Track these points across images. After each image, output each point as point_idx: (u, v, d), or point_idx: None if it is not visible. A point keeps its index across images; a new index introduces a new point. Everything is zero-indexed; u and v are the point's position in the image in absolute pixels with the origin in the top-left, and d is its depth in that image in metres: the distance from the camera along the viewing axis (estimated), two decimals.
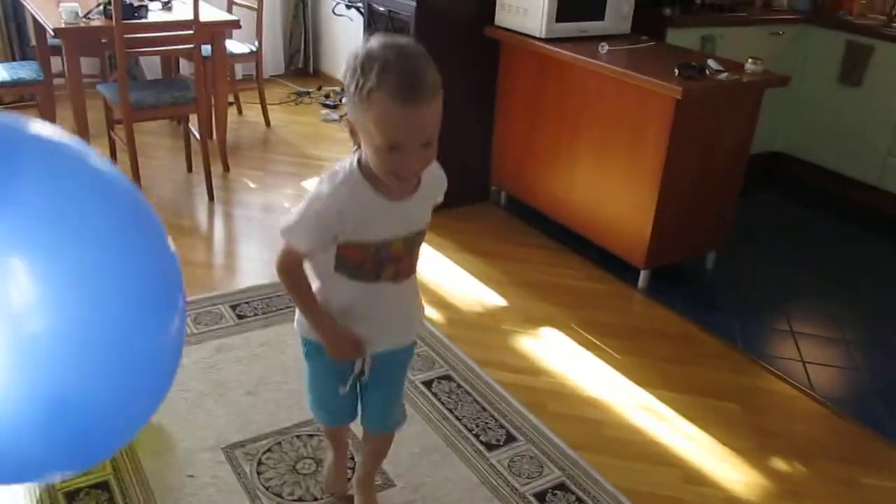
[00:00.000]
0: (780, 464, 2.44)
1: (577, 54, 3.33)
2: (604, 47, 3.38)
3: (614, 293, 3.37)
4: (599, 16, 3.62)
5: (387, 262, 1.62)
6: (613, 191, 3.36)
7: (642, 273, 3.37)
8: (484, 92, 3.90)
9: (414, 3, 3.57)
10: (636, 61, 3.31)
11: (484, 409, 2.53)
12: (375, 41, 1.41)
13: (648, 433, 2.52)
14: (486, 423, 2.47)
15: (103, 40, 3.80)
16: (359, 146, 1.51)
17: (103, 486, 2.14)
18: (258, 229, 3.82)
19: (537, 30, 3.48)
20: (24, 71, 4.14)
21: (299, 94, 5.85)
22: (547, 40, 3.47)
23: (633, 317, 3.22)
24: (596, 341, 3.00)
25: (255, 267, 3.41)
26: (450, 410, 2.51)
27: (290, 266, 1.65)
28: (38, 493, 2.12)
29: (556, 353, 2.91)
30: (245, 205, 4.03)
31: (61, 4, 3.79)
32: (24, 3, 4.25)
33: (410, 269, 1.69)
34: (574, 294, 3.32)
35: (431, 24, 3.62)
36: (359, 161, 1.53)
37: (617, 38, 3.58)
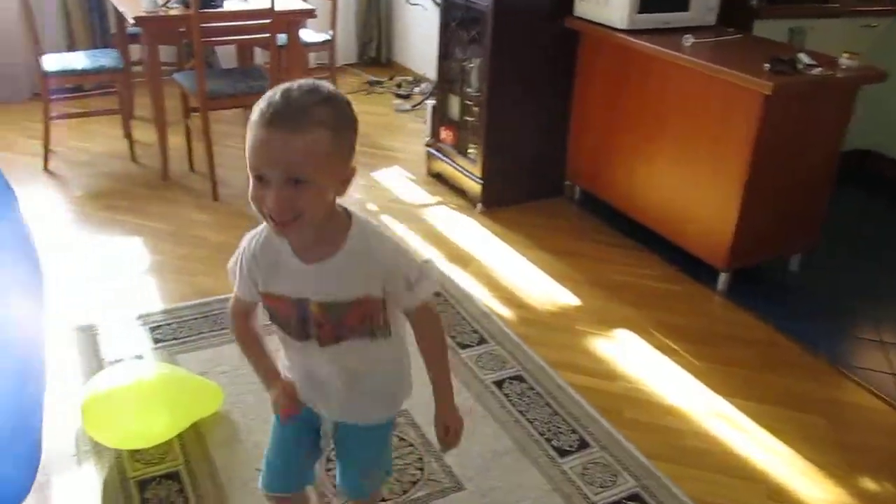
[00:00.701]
0: (868, 483, 2.31)
1: (661, 46, 3.21)
2: (688, 39, 3.25)
3: (692, 295, 3.25)
4: (684, 6, 3.49)
5: (310, 322, 1.44)
6: (695, 189, 3.24)
7: (722, 275, 3.25)
8: (560, 85, 3.81)
9: None
10: (722, 54, 3.17)
11: (556, 412, 2.46)
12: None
13: (728, 444, 2.42)
14: (559, 427, 2.40)
15: (181, 29, 3.82)
16: None
17: (174, 476, 2.15)
18: None
19: (619, 21, 3.37)
20: (105, 59, 4.20)
21: (371, 83, 5.84)
22: (629, 32, 3.35)
23: (712, 321, 3.10)
24: (673, 345, 2.89)
25: None
26: (521, 413, 2.45)
27: (233, 311, 1.55)
28: (108, 480, 2.13)
29: (632, 356, 2.82)
30: None
31: None
32: None
33: (336, 336, 1.44)
34: (650, 295, 3.22)
35: (509, 14, 3.55)
36: None
37: (702, 30, 3.44)
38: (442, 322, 1.57)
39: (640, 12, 3.35)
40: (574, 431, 2.38)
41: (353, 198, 3.97)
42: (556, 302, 3.14)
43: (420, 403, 2.43)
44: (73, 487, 2.14)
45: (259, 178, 1.26)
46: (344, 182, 1.33)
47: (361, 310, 1.42)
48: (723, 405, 2.59)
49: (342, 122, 1.29)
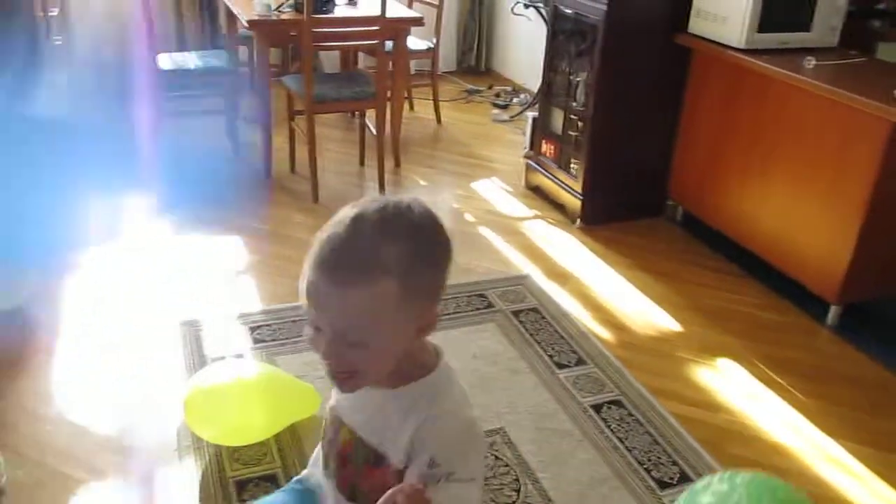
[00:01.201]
0: None
1: (780, 68, 3.10)
2: (810, 62, 3.12)
3: (799, 327, 3.11)
4: (805, 27, 3.36)
5: (334, 450, 1.23)
6: (808, 216, 3.11)
7: (833, 308, 3.10)
8: (668, 102, 3.71)
9: (604, 7, 3.43)
10: (846, 78, 3.03)
11: (657, 441, 2.38)
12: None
13: (839, 490, 2.29)
14: (659, 457, 2.32)
15: (292, 33, 3.88)
16: None
17: (272, 478, 2.16)
18: None
19: (736, 40, 3.26)
20: (216, 59, 4.31)
21: (470, 91, 5.83)
22: (746, 51, 3.24)
23: (821, 356, 2.96)
24: (778, 379, 2.77)
25: None
26: (620, 440, 2.38)
27: None
28: (207, 477, 2.16)
29: (735, 388, 2.71)
30: None
31: None
32: None
33: (351, 488, 1.20)
34: (755, 325, 3.09)
35: (621, 28, 3.48)
36: None
37: (823, 52, 3.30)
38: None
39: (759, 31, 3.24)
40: (675, 463, 2.30)
41: (450, 207, 3.96)
42: (655, 326, 3.05)
43: (517, 421, 2.41)
44: (173, 482, 2.17)
45: (313, 326, 1.07)
46: (420, 330, 1.10)
47: (388, 474, 1.12)
48: (832, 447, 2.46)
49: (421, 264, 1.05)
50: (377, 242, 1.01)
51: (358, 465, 1.17)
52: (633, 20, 3.51)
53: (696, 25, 3.48)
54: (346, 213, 1.05)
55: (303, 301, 1.05)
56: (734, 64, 3.32)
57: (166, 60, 4.22)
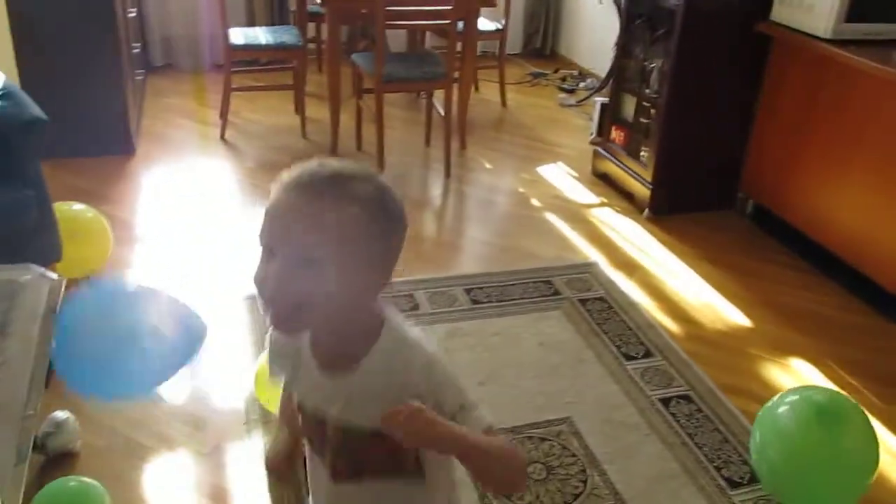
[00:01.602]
0: None
1: (869, 59, 2.98)
2: None
3: (876, 330, 3.01)
4: None
5: (325, 442, 1.17)
6: (888, 214, 3.00)
7: None
8: (743, 93, 3.61)
9: None
10: None
11: (727, 440, 2.33)
12: None
13: None
14: (729, 456, 2.27)
15: (363, 11, 3.87)
16: None
17: None
18: (491, 212, 3.78)
19: (821, 29, 3.15)
20: (286, 35, 4.32)
21: (535, 74, 5.76)
22: (832, 41, 3.13)
23: None
24: (854, 382, 2.69)
25: (486, 251, 3.37)
26: (689, 436, 2.33)
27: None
28: None
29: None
30: (479, 185, 4.00)
31: None
32: None
33: (355, 470, 1.16)
34: (828, 324, 3.01)
35: (700, 15, 3.39)
36: None
37: None
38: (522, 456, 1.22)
39: (847, 21, 3.12)
40: (745, 463, 2.25)
41: (515, 191, 3.92)
42: (724, 320, 2.99)
43: (583, 411, 2.38)
44: (241, 454, 2.20)
45: (267, 252, 1.03)
46: (368, 290, 1.07)
47: (387, 442, 1.04)
48: None
49: (386, 212, 1.05)
50: (349, 175, 1.04)
51: (359, 445, 1.14)
52: (713, 7, 3.41)
53: (780, 13, 3.37)
54: (312, 161, 1.06)
55: (261, 233, 1.03)
56: (819, 54, 3.21)
57: (237, 35, 4.24)
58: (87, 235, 2.90)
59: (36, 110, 2.57)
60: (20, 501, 1.34)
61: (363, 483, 1.16)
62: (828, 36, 3.14)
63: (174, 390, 2.42)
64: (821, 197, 3.31)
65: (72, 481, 1.97)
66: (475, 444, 1.05)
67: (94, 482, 1.97)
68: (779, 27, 3.38)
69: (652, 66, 3.67)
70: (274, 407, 2.25)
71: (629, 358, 2.66)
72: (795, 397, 2.10)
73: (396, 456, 1.12)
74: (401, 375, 1.08)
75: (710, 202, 3.82)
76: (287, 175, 1.04)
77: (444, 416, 1.04)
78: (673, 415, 2.42)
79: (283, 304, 1.02)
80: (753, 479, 2.19)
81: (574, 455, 2.22)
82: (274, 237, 1.02)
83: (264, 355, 2.32)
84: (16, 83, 3.04)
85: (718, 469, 2.22)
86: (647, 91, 3.70)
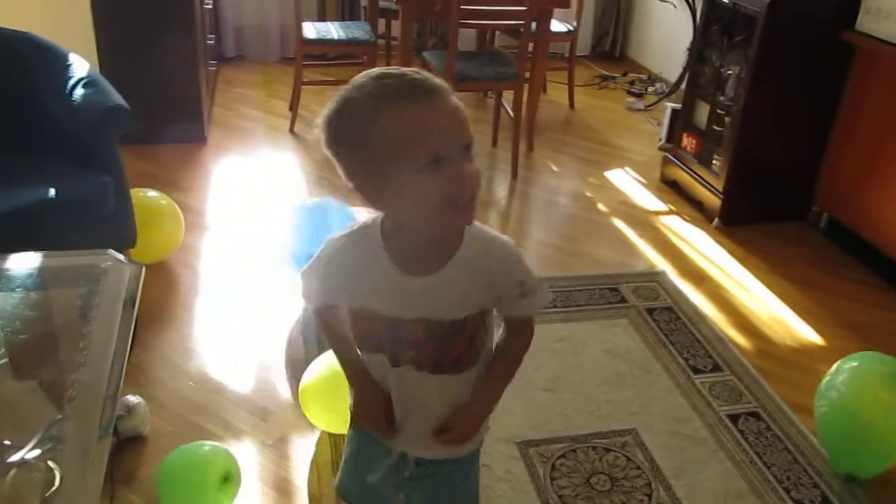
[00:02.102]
0: None
1: None
2: None
3: None
4: None
5: (404, 345, 1.24)
6: None
7: None
8: (822, 104, 3.51)
9: None
10: None
11: (796, 460, 2.27)
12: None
13: None
14: (799, 477, 2.21)
15: (437, 8, 3.87)
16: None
17: None
18: (557, 215, 3.75)
19: None
20: (358, 31, 4.34)
21: (604, 77, 5.70)
22: None
23: None
24: None
25: (552, 254, 3.34)
26: (757, 454, 2.28)
27: (322, 322, 1.38)
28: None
29: None
30: (546, 187, 3.97)
31: None
32: None
33: (439, 361, 1.24)
34: None
35: (782, 22, 3.31)
36: (382, 220, 1.22)
37: None
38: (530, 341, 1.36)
39: None
40: (816, 486, 2.19)
41: (582, 195, 3.89)
42: (795, 336, 2.91)
43: (649, 423, 2.34)
44: (306, 446, 2.21)
45: (435, 162, 1.06)
46: None
47: (469, 329, 1.22)
48: None
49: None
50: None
51: (439, 341, 1.22)
52: (796, 14, 3.33)
53: (865, 22, 3.27)
54: (368, 76, 1.11)
55: (426, 147, 1.06)
56: None
57: (309, 29, 4.28)
58: (160, 222, 2.96)
59: (118, 98, 2.62)
60: (104, 471, 1.38)
61: (443, 375, 1.25)
62: None
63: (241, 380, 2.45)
64: None
65: (205, 445, 2.03)
66: (504, 384, 1.33)
67: (225, 448, 2.03)
68: (864, 37, 3.28)
69: (728, 72, 3.59)
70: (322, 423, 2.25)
71: (697, 371, 2.61)
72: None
73: (474, 341, 1.25)
74: (492, 260, 1.21)
75: (783, 214, 3.73)
76: (399, 93, 1.07)
77: (522, 294, 1.24)
78: (741, 432, 2.36)
79: (476, 191, 1.12)
80: (825, 503, 2.13)
81: (639, 468, 2.18)
82: (442, 142, 1.07)
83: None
84: (96, 70, 3.11)
85: (788, 490, 2.16)
86: (722, 98, 3.63)
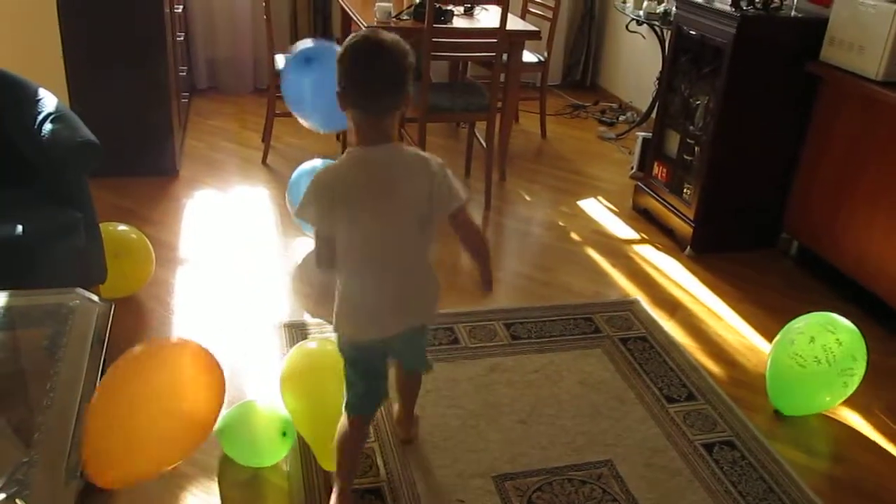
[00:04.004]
0: None
1: None
2: None
3: None
4: None
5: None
6: None
7: None
8: (790, 133, 3.57)
9: (733, 31, 3.32)
10: None
11: (771, 489, 2.28)
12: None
13: None
14: None
15: (409, 41, 3.88)
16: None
17: (376, 491, 2.15)
18: (531, 245, 3.76)
19: (873, 72, 3.11)
20: None
21: (575, 107, 5.76)
22: (885, 84, 3.09)
23: None
24: None
25: (526, 285, 3.34)
26: (733, 483, 2.28)
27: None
28: (313, 487, 2.16)
29: (855, 438, 2.58)
30: (519, 217, 3.98)
31: (377, 3, 3.93)
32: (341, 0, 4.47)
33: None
34: (876, 371, 2.92)
35: (748, 53, 3.37)
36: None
37: None
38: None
39: None
40: None
41: (555, 224, 3.90)
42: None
43: (624, 454, 2.34)
44: (277, 486, 2.18)
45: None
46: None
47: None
48: None
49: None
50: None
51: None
52: (761, 46, 3.39)
53: (830, 54, 3.34)
54: (355, 42, 1.79)
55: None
56: (869, 97, 3.17)
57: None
58: (130, 256, 2.93)
59: (88, 133, 2.60)
60: None
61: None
62: (879, 78, 3.10)
63: None
64: (869, 241, 3.25)
65: (257, 405, 2.22)
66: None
67: (278, 409, 2.22)
68: (829, 68, 3.35)
69: (697, 102, 3.64)
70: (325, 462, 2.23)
71: (671, 400, 2.62)
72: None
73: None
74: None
75: (754, 242, 3.78)
76: (370, 46, 1.76)
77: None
78: (716, 461, 2.36)
79: None
80: None
81: (615, 500, 2.18)
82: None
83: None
84: (65, 103, 3.08)
85: None
86: (692, 128, 3.68)
